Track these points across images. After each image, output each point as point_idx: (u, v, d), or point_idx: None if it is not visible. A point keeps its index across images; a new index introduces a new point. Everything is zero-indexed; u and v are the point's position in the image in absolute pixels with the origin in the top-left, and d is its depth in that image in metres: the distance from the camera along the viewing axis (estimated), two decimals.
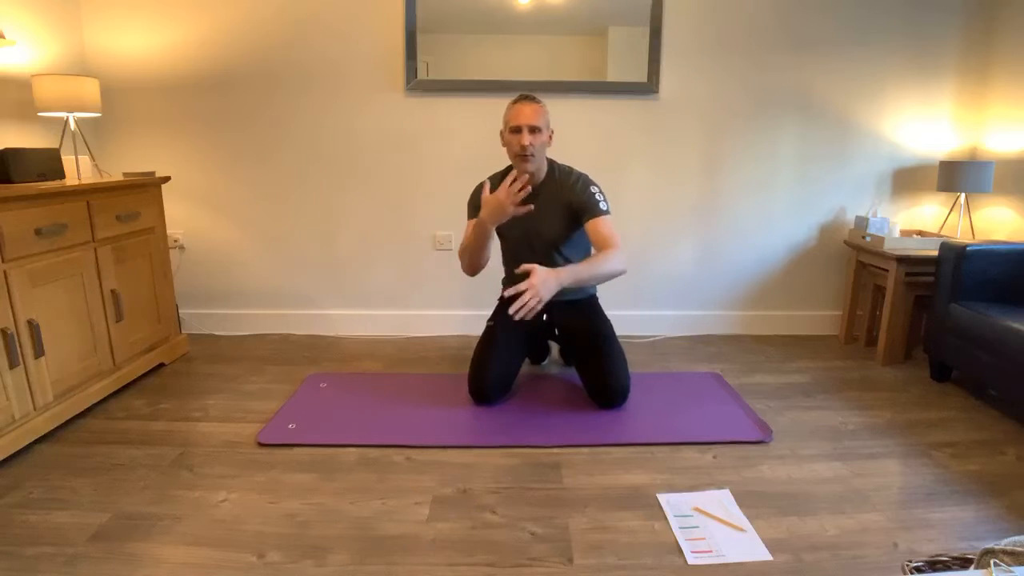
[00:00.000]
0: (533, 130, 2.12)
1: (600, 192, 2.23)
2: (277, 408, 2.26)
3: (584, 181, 2.24)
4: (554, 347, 2.80)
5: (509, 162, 2.35)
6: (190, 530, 1.56)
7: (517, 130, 2.13)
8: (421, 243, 3.05)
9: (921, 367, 2.70)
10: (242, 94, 2.89)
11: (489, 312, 2.52)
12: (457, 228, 3.01)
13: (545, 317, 2.41)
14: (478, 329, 3.08)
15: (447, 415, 2.19)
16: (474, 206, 2.29)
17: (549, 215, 2.24)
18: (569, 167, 2.30)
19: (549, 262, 2.22)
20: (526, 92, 2.23)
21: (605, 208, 2.20)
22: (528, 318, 1.89)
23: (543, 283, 1.89)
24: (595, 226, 2.18)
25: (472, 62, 2.83)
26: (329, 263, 3.08)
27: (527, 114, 2.12)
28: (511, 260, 2.41)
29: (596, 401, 2.27)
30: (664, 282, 3.12)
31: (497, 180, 2.28)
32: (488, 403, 2.28)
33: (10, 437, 1.85)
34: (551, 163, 2.28)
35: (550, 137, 2.21)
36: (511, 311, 1.87)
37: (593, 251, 2.20)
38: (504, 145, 2.22)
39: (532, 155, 2.14)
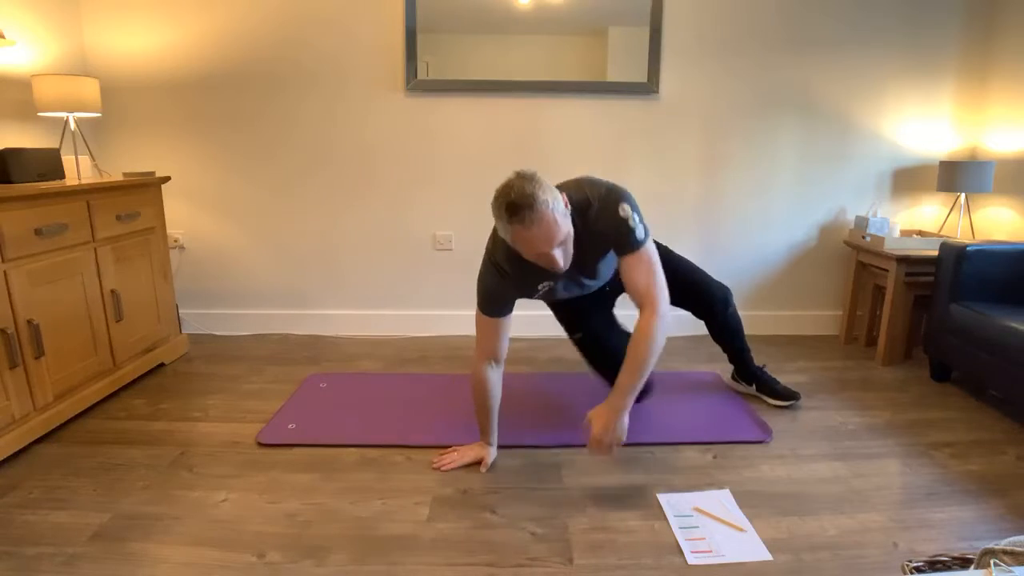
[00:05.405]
0: (559, 244, 1.57)
1: (630, 209, 1.67)
2: (277, 408, 2.26)
3: (606, 206, 1.68)
4: None
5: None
6: (190, 530, 1.56)
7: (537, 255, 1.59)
8: (421, 243, 3.05)
9: (921, 367, 2.69)
10: (242, 94, 2.89)
11: None
12: (457, 228, 3.01)
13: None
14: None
15: (447, 415, 2.18)
16: (488, 296, 1.77)
17: (589, 265, 1.82)
18: (585, 193, 1.72)
19: (602, 299, 2.07)
20: (515, 201, 1.48)
21: (641, 237, 1.67)
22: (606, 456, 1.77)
23: (609, 429, 1.65)
24: (628, 269, 1.68)
25: (472, 62, 2.83)
26: (329, 263, 3.08)
27: (543, 239, 1.52)
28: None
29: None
30: None
31: (508, 267, 1.73)
32: None
33: (10, 437, 1.85)
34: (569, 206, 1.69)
35: (568, 211, 1.62)
36: None
37: (632, 301, 1.72)
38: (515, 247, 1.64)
39: (566, 264, 1.64)
